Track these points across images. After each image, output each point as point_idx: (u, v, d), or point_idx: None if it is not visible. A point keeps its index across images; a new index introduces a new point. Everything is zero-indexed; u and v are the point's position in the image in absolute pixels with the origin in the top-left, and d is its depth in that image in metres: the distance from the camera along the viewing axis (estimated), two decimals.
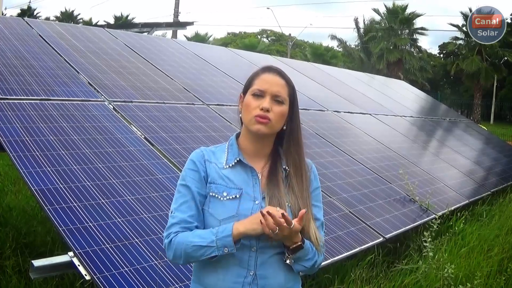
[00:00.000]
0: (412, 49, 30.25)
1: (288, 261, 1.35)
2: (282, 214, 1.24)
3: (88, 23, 32.30)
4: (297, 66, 7.63)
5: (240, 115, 1.43)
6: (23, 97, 3.20)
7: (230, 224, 1.30)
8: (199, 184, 1.39)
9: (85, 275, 2.04)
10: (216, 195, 1.37)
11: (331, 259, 2.93)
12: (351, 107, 6.71)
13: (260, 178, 1.40)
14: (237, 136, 1.47)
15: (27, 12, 32.05)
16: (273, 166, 1.42)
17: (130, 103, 3.78)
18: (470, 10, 25.17)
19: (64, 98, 3.42)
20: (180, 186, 1.40)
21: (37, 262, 2.04)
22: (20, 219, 3.90)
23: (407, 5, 29.63)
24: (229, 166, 1.40)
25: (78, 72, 3.93)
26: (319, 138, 4.82)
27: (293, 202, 1.37)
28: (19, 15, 30.42)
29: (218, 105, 4.51)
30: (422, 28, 30.00)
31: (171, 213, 1.38)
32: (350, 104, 6.83)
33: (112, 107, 3.59)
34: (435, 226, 3.98)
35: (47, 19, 32.99)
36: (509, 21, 24.25)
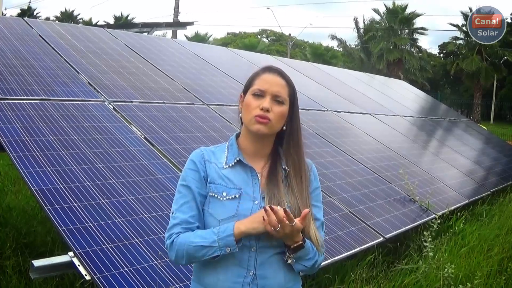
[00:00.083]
0: (412, 49, 30.24)
1: (289, 261, 1.35)
2: (285, 210, 1.24)
3: (88, 23, 32.31)
4: (297, 66, 7.63)
5: (240, 115, 1.43)
6: (23, 97, 3.20)
7: (231, 223, 1.30)
8: (199, 184, 1.39)
9: (85, 275, 2.04)
10: (216, 195, 1.37)
11: (331, 259, 2.93)
12: (351, 107, 6.71)
13: (259, 178, 1.40)
14: (237, 136, 1.47)
15: (27, 12, 32.06)
16: (272, 166, 1.42)
17: (130, 103, 3.78)
18: (470, 10, 25.21)
19: (64, 98, 3.42)
20: (180, 187, 1.40)
21: (37, 262, 2.04)
22: (20, 219, 3.90)
23: (407, 5, 29.68)
24: (229, 166, 1.40)
25: (78, 72, 3.93)
26: (319, 138, 4.82)
27: (293, 202, 1.37)
28: (19, 15, 30.43)
29: (218, 105, 4.51)
30: (422, 28, 30.02)
31: (172, 213, 1.38)
32: (350, 104, 6.83)
33: (112, 107, 3.59)
34: (435, 226, 3.98)
35: (47, 19, 32.99)
36: (509, 21, 24.20)
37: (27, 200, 4.53)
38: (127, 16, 36.06)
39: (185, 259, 1.33)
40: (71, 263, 2.10)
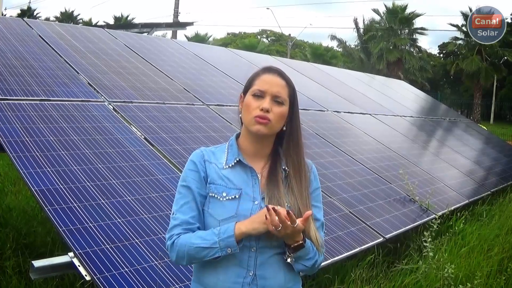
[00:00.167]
0: (412, 49, 30.25)
1: (289, 260, 1.35)
2: (288, 212, 1.25)
3: (88, 23, 32.35)
4: (296, 66, 7.63)
5: (240, 115, 1.43)
6: (23, 98, 3.20)
7: (232, 224, 1.31)
8: (200, 185, 1.39)
9: (85, 275, 2.04)
10: (216, 196, 1.37)
11: (331, 259, 2.93)
12: (351, 107, 6.71)
13: (259, 178, 1.40)
14: (237, 136, 1.47)
15: (27, 13, 32.09)
16: (272, 166, 1.42)
17: (130, 104, 3.78)
18: (470, 10, 25.22)
19: (64, 99, 3.42)
20: (180, 187, 1.40)
21: (37, 263, 2.04)
22: (20, 220, 3.90)
23: (406, 5, 29.63)
24: (228, 166, 1.41)
25: (78, 73, 3.93)
26: (319, 138, 4.83)
27: (293, 202, 1.37)
28: (19, 15, 30.47)
29: (218, 105, 4.51)
30: (422, 28, 30.02)
31: (173, 214, 1.38)
32: (350, 104, 6.83)
33: (112, 108, 3.59)
34: (435, 226, 3.98)
35: (47, 19, 32.98)
36: (509, 21, 24.21)
37: (27, 200, 4.53)
38: (127, 16, 36.15)
39: (186, 260, 1.33)
40: (71, 264, 2.10)
